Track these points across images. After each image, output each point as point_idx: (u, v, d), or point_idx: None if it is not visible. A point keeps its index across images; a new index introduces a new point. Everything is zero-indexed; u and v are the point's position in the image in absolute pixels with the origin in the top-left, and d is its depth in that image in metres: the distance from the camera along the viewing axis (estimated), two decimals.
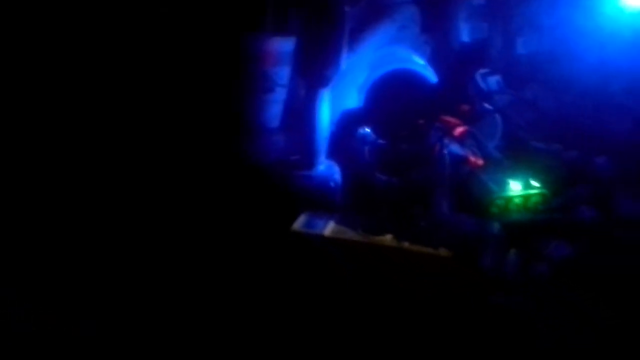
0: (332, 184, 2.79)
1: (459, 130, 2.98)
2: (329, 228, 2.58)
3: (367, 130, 3.06)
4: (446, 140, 2.89)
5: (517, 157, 3.01)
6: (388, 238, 2.54)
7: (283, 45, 2.77)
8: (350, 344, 2.13)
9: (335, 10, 2.71)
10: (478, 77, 3.24)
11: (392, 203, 2.80)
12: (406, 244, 2.50)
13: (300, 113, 2.78)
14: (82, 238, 2.46)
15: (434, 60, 3.34)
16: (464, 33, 3.35)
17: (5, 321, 2.09)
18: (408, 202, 2.80)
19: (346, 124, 3.09)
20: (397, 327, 2.13)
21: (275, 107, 2.95)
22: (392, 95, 3.14)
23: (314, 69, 2.72)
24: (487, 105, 3.14)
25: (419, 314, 2.15)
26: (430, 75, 3.18)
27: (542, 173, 2.84)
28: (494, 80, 3.27)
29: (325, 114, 2.79)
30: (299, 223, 2.60)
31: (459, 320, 2.08)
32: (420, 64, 3.24)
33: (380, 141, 3.14)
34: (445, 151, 2.84)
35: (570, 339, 1.93)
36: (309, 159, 2.78)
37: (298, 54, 2.75)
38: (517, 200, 2.72)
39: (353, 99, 3.25)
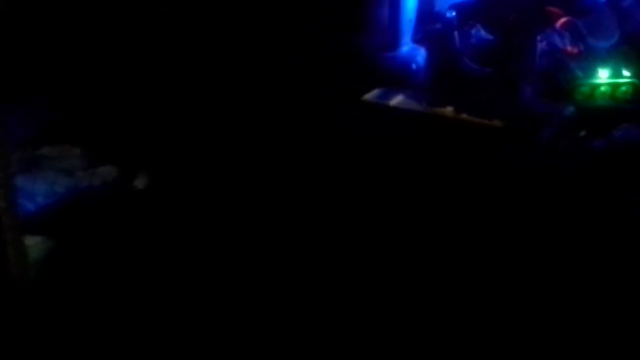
0: (413, 65, 2.87)
1: (561, 21, 2.87)
2: (396, 99, 2.68)
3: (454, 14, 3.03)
4: (548, 31, 2.82)
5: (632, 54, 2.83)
6: (448, 110, 2.58)
7: None
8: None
9: None
10: None
11: (477, 89, 2.81)
12: (464, 116, 2.53)
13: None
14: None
15: None
16: None
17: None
18: (495, 89, 2.80)
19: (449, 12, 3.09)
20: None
21: None
22: None
23: None
24: None
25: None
26: None
27: None
28: None
29: None
30: (371, 95, 2.74)
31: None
32: None
33: (483, 32, 3.11)
34: (542, 40, 2.78)
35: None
36: (393, 41, 2.88)
37: None
38: (603, 89, 2.60)
39: None
